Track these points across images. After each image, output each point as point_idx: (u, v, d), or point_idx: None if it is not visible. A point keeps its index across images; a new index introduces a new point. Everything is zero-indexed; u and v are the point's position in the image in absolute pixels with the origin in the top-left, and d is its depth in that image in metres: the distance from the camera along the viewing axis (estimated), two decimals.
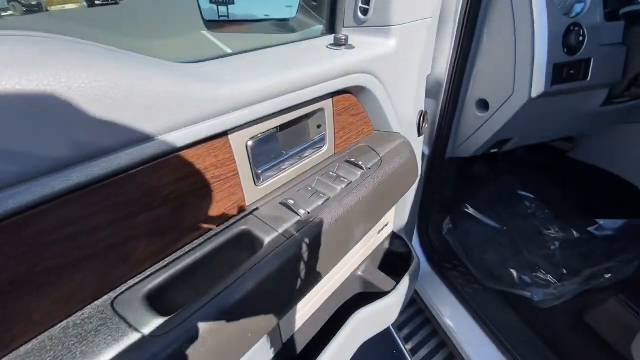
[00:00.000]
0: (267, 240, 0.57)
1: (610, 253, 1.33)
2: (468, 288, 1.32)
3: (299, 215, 0.62)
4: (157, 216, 0.50)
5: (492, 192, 1.69)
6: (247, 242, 0.59)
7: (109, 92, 0.39)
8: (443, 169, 1.34)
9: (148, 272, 0.51)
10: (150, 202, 0.48)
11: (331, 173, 0.73)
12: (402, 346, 1.39)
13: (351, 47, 0.73)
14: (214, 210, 0.58)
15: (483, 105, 1.13)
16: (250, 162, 0.61)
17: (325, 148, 0.76)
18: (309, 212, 0.63)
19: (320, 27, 0.89)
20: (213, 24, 0.95)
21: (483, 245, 1.48)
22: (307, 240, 0.59)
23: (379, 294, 1.04)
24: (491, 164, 1.73)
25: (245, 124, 0.56)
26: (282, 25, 0.95)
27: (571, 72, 0.99)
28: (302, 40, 0.79)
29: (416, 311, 1.47)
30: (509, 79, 1.03)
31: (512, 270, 1.34)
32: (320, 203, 0.65)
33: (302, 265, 0.59)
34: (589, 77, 1.01)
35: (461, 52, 1.07)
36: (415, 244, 1.47)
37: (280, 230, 0.59)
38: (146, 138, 0.44)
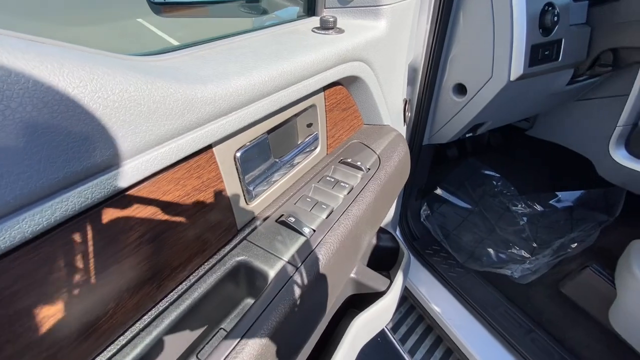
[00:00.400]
0: (271, 273, 0.46)
1: (572, 223, 1.41)
2: (451, 272, 1.31)
3: (303, 234, 0.51)
4: (126, 267, 0.36)
5: (460, 174, 1.71)
6: (246, 278, 0.47)
7: (37, 106, 0.24)
8: (421, 156, 1.29)
9: (122, 341, 0.37)
10: (116, 253, 0.34)
11: (328, 178, 0.63)
12: (390, 336, 1.36)
13: (341, 30, 0.61)
14: (200, 244, 0.45)
15: (460, 90, 1.09)
16: (240, 178, 0.48)
17: (318, 149, 0.65)
18: (314, 230, 0.52)
19: (296, 9, 0.76)
20: (160, 7, 0.78)
21: (459, 228, 1.49)
22: (318, 265, 0.48)
23: (373, 295, 0.98)
24: (459, 146, 1.74)
25: (233, 132, 0.43)
26: (249, 7, 0.80)
27: (546, 53, 0.97)
28: (281, 24, 0.65)
29: (401, 300, 1.45)
30: (488, 61, 0.99)
31: (489, 250, 1.36)
32: (324, 217, 0.55)
33: (316, 295, 0.49)
34: (560, 58, 1.00)
35: (437, 36, 1.00)
36: (397, 234, 1.43)
37: (286, 258, 0.47)
38: (101, 169, 0.30)
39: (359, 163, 0.65)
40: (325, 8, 0.71)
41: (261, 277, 0.46)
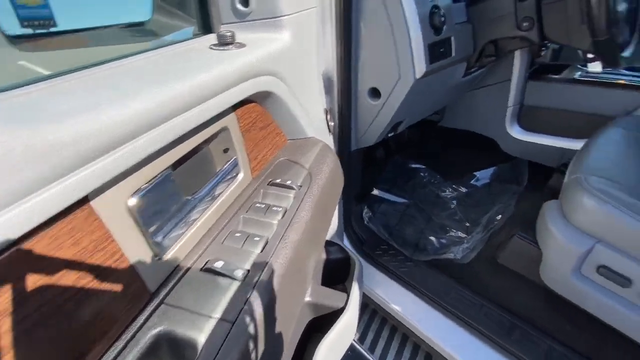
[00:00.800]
0: (200, 338, 0.36)
1: (493, 197, 1.53)
2: (402, 267, 1.32)
3: (235, 279, 0.42)
4: None
5: (390, 172, 1.76)
6: (170, 353, 0.37)
7: None
8: (352, 162, 1.29)
9: None
10: None
11: (258, 205, 0.55)
12: (359, 348, 1.30)
13: (241, 45, 0.55)
14: (99, 327, 0.33)
15: (375, 93, 1.10)
16: (141, 230, 0.38)
17: (241, 175, 0.57)
18: (248, 271, 0.44)
19: (190, 30, 0.68)
20: (22, 41, 0.65)
21: (400, 223, 1.51)
22: (260, 310, 0.40)
23: (334, 313, 0.91)
24: (384, 146, 1.79)
25: (118, 175, 0.33)
26: (137, 31, 0.70)
27: (441, 50, 1.03)
28: (172, 44, 0.57)
29: (362, 307, 1.41)
30: (393, 64, 1.02)
31: (431, 238, 1.40)
32: (258, 251, 0.47)
33: (266, 346, 0.40)
34: (453, 53, 1.08)
35: (344, 44, 1.01)
36: (345, 243, 1.39)
37: (217, 314, 0.38)
38: None
39: (289, 182, 0.59)
40: (222, 24, 0.64)
41: (189, 347, 0.36)
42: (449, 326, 1.15)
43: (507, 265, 1.23)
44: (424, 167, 1.75)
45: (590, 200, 0.87)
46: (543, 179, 1.39)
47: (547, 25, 1.03)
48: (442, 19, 0.99)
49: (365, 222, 1.49)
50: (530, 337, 1.06)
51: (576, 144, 1.32)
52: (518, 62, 1.43)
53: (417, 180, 1.72)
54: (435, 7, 0.98)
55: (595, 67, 1.25)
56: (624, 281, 0.86)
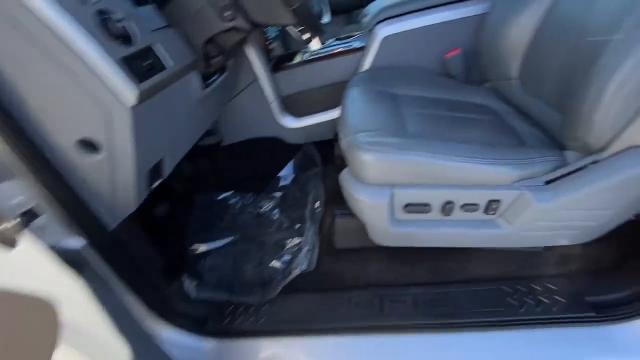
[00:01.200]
0: None
1: (303, 188, 1.45)
2: (260, 318, 1.04)
3: None
4: None
5: (200, 217, 1.41)
6: None
7: None
8: (123, 244, 0.87)
9: None
10: None
11: None
12: None
13: None
14: None
15: (89, 146, 0.73)
16: None
17: None
18: None
19: None
20: None
21: (236, 267, 1.21)
22: None
23: None
24: (163, 197, 1.39)
25: None
26: None
27: (146, 63, 0.76)
28: None
29: None
30: (86, 98, 0.68)
31: (273, 264, 1.18)
32: None
33: None
34: (168, 64, 0.83)
35: None
36: (178, 338, 0.97)
37: None
38: None
39: None
40: None
41: None
42: (334, 344, 0.97)
43: (346, 246, 1.16)
44: (231, 192, 1.50)
45: (367, 155, 0.84)
46: (332, 152, 1.40)
47: (249, 9, 0.94)
48: (119, 24, 0.71)
49: (194, 296, 1.10)
50: (398, 298, 1.02)
51: (337, 113, 1.38)
52: (255, 60, 1.37)
53: (232, 210, 1.45)
54: (101, 12, 0.69)
55: (315, 44, 1.30)
56: (425, 207, 0.89)
